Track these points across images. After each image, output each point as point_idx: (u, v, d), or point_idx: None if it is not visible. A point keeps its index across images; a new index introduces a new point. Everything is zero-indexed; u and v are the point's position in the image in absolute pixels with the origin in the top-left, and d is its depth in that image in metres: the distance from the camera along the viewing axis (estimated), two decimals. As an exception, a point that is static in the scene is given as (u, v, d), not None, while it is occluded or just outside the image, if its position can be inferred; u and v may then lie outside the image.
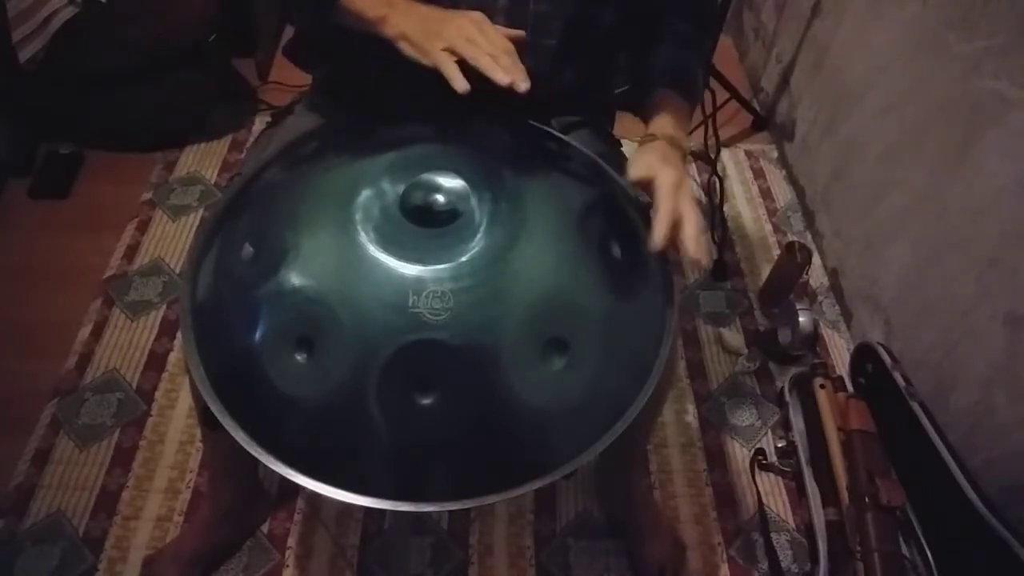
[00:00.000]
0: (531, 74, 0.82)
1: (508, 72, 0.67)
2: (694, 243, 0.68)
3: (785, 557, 1.25)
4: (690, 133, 1.91)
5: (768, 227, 1.82)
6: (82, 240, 1.65)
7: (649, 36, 0.87)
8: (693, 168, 1.94)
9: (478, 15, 0.71)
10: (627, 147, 0.97)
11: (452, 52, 0.70)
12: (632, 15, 0.86)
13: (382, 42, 0.82)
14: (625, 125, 1.01)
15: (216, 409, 0.62)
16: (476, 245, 0.64)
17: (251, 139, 1.86)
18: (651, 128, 0.81)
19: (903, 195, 1.41)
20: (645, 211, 0.77)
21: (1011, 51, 1.13)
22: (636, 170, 0.74)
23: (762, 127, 2.07)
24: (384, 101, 0.87)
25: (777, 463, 1.35)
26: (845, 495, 1.20)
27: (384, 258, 0.64)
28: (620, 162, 0.89)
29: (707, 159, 1.88)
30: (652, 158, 0.74)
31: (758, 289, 1.66)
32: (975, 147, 1.20)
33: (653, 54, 0.86)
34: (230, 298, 0.68)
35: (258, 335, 0.64)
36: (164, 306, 1.54)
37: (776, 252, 1.74)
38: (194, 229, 1.69)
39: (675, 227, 0.69)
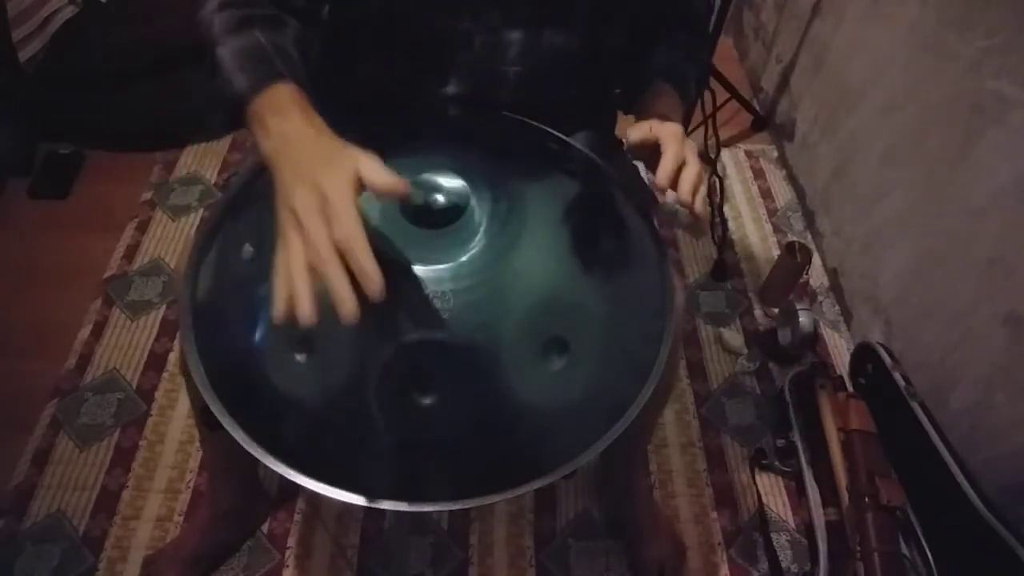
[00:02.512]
0: (544, 97, 0.82)
1: (301, 311, 0.50)
2: (690, 186, 0.67)
3: (785, 557, 1.25)
4: (690, 133, 1.93)
5: (768, 227, 1.82)
6: (82, 240, 1.65)
7: (648, 42, 0.88)
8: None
9: (350, 169, 0.54)
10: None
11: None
12: (639, 34, 0.87)
13: (381, 49, 0.83)
14: (626, 125, 1.01)
15: (216, 409, 0.62)
16: (476, 245, 0.64)
17: (251, 139, 1.86)
18: (645, 115, 0.79)
19: (903, 195, 1.41)
20: (646, 210, 0.77)
21: (1011, 51, 1.13)
22: (635, 132, 0.71)
23: (762, 127, 2.07)
24: (384, 101, 0.87)
25: (777, 463, 1.35)
26: (845, 495, 1.20)
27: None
28: (621, 162, 0.89)
29: (707, 159, 1.88)
30: (651, 121, 0.72)
31: (758, 289, 1.66)
32: (975, 147, 1.20)
33: (651, 55, 0.87)
34: (230, 298, 0.68)
35: (258, 335, 0.64)
36: (164, 306, 1.54)
37: (776, 252, 1.74)
38: (194, 229, 1.69)
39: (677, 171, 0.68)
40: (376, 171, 0.55)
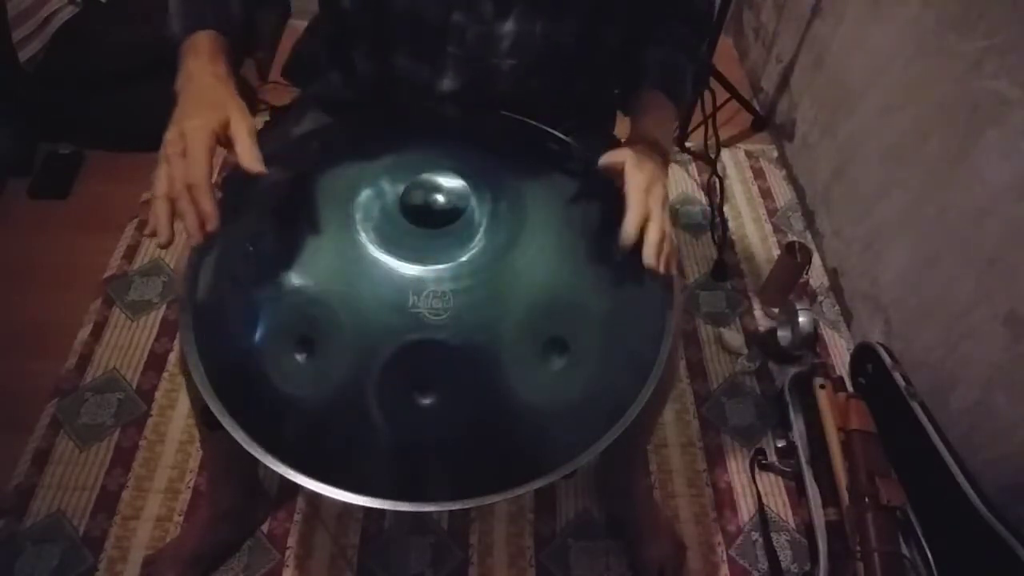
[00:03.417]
0: (540, 92, 0.82)
1: (158, 229, 0.63)
2: (654, 249, 0.66)
3: (785, 557, 1.25)
4: (690, 133, 1.93)
5: (768, 227, 1.82)
6: (82, 240, 1.65)
7: (645, 36, 0.87)
8: (693, 168, 1.94)
9: (218, 120, 0.64)
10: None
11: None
12: (637, 28, 0.86)
13: (376, 42, 0.83)
14: (626, 125, 1.01)
15: (216, 409, 0.62)
16: (476, 245, 0.64)
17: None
18: (635, 130, 0.81)
19: (903, 195, 1.41)
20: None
21: (1011, 51, 1.13)
22: (607, 156, 0.71)
23: (762, 127, 2.07)
24: (384, 102, 0.87)
25: (777, 463, 1.35)
26: (845, 495, 1.20)
27: (384, 258, 0.64)
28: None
29: (707, 159, 1.88)
30: (628, 153, 0.72)
31: (758, 289, 1.66)
32: (975, 147, 1.20)
33: (646, 53, 0.87)
34: (230, 298, 0.68)
35: (258, 335, 0.64)
36: (164, 306, 1.54)
37: (776, 252, 1.74)
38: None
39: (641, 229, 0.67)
40: (237, 133, 0.64)
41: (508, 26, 0.78)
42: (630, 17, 0.84)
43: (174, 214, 0.63)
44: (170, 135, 0.64)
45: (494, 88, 0.82)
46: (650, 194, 0.69)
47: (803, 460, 1.31)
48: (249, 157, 0.64)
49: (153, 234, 0.63)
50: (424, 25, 0.78)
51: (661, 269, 0.67)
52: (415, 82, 0.82)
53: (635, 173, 0.69)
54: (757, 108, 2.06)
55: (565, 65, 0.83)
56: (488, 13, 0.77)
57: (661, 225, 0.68)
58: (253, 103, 2.02)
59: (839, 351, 1.56)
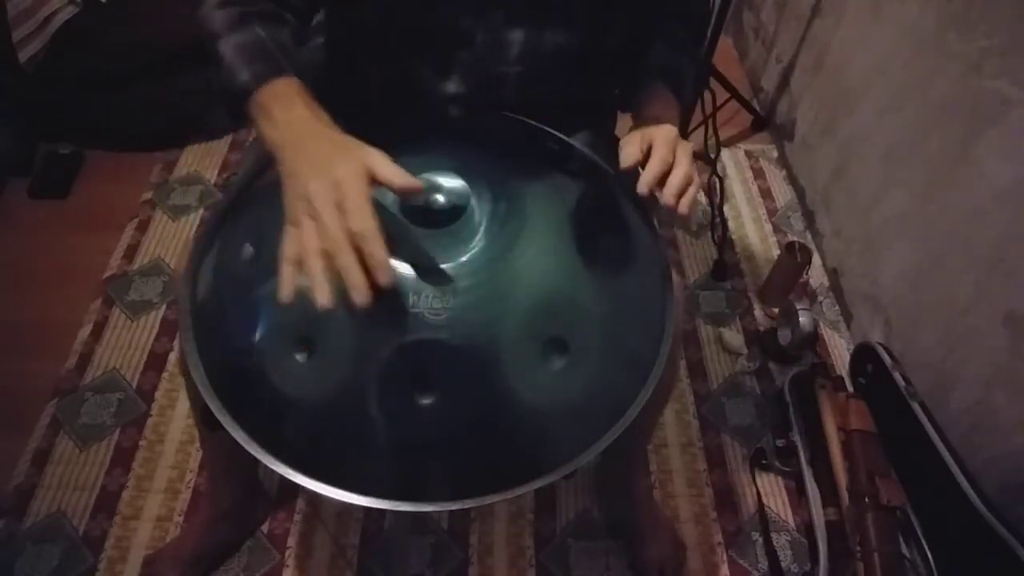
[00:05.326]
0: (544, 97, 0.82)
1: (319, 289, 0.53)
2: (675, 189, 0.66)
3: (785, 557, 1.25)
4: (690, 133, 1.93)
5: (768, 227, 1.82)
6: (82, 240, 1.65)
7: (646, 37, 0.88)
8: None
9: (364, 165, 0.57)
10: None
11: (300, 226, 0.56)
12: (638, 32, 0.87)
13: (382, 45, 0.83)
14: (627, 125, 1.01)
15: (216, 409, 0.62)
16: (476, 245, 0.64)
17: (251, 139, 1.86)
18: (641, 117, 0.80)
19: (903, 195, 1.41)
20: (645, 210, 0.77)
21: (1011, 51, 1.13)
22: (627, 155, 0.70)
23: (762, 127, 2.07)
24: (387, 101, 0.87)
25: (777, 463, 1.35)
26: (845, 495, 1.20)
27: (384, 258, 0.64)
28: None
29: (707, 159, 1.88)
30: (642, 129, 0.72)
31: (758, 289, 1.67)
32: (975, 147, 1.20)
33: (647, 54, 0.87)
34: (230, 298, 0.68)
35: (258, 335, 0.64)
36: (164, 306, 1.54)
37: (776, 252, 1.74)
38: (194, 229, 1.69)
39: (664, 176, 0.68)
40: (390, 169, 0.57)
41: (517, 34, 0.78)
42: (631, 19, 0.85)
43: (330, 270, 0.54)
44: (317, 187, 0.55)
45: (499, 94, 0.82)
46: (677, 145, 0.69)
47: (803, 460, 1.31)
48: (407, 180, 0.58)
49: (292, 303, 0.53)
50: (432, 28, 0.78)
51: (682, 209, 0.67)
52: (421, 85, 0.82)
53: (656, 129, 0.70)
54: (757, 108, 2.06)
55: (569, 70, 0.83)
56: (497, 20, 0.77)
57: (686, 171, 0.68)
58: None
59: (839, 351, 1.56)
